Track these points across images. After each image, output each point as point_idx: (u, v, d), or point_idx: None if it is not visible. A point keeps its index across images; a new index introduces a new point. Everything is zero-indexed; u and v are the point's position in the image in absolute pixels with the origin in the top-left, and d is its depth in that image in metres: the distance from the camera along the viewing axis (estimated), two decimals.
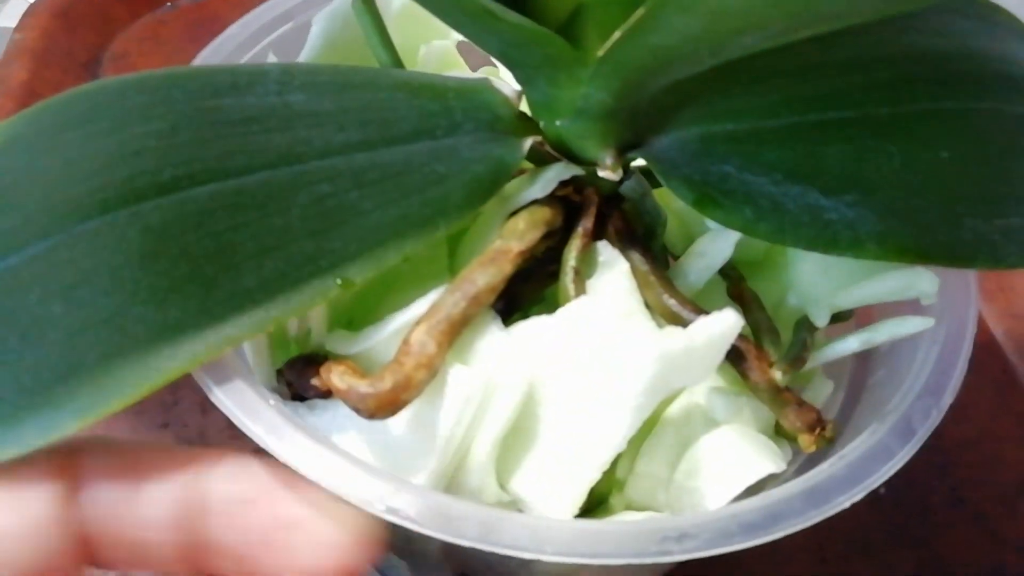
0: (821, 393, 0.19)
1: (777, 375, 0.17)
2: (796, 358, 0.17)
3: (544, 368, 0.16)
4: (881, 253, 0.17)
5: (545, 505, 0.16)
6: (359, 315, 0.18)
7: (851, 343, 0.18)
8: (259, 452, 0.14)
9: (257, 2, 0.22)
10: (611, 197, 0.19)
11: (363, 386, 0.15)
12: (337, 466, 0.14)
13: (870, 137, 0.18)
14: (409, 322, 0.16)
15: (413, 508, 0.14)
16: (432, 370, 0.15)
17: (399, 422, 0.16)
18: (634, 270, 0.18)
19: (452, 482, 0.16)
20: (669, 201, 0.20)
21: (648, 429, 0.18)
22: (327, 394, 0.16)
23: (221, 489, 0.14)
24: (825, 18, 0.14)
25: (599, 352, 0.16)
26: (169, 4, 0.40)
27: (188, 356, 0.14)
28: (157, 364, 0.13)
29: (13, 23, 0.37)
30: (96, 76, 0.38)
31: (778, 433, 0.19)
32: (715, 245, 0.19)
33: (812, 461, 0.17)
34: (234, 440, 0.28)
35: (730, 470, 0.16)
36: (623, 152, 0.18)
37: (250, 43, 0.21)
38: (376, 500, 0.14)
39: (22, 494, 0.13)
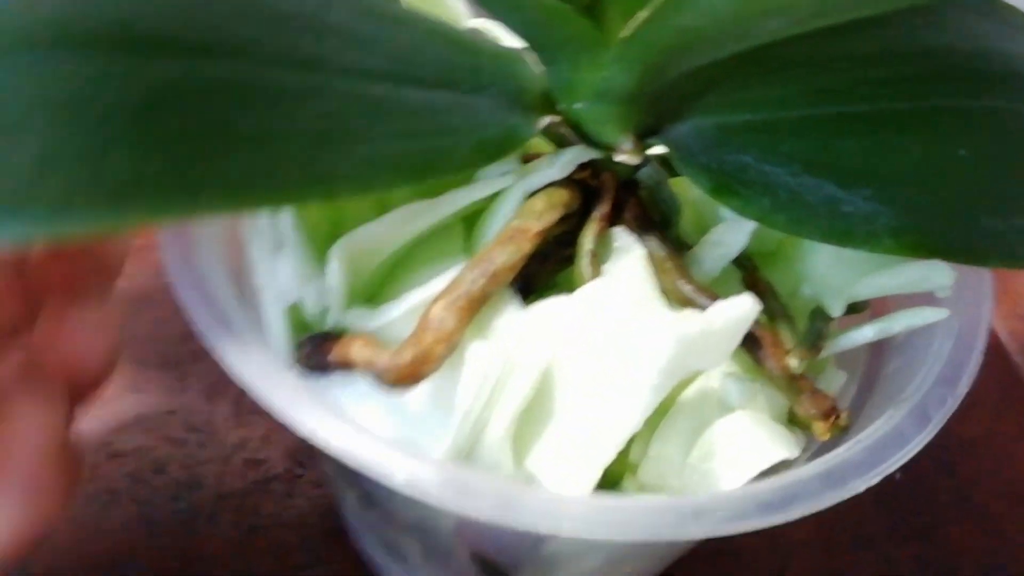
0: (833, 383, 0.19)
1: (792, 362, 0.17)
2: (812, 346, 0.17)
3: (561, 348, 0.16)
4: (896, 248, 0.17)
5: (559, 484, 0.16)
6: (377, 294, 0.18)
7: (866, 332, 0.18)
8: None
9: None
10: (628, 183, 0.19)
11: (383, 359, 0.15)
12: (357, 438, 0.14)
13: (889, 132, 0.18)
14: (427, 299, 0.16)
15: (432, 481, 0.14)
16: (451, 345, 0.15)
17: (417, 397, 0.16)
18: (650, 256, 0.18)
19: (468, 459, 0.16)
20: (685, 191, 0.21)
21: (663, 413, 0.18)
22: (346, 368, 0.16)
23: None
24: (850, 3, 0.14)
25: (616, 334, 0.16)
26: None
27: (155, 210, 0.13)
28: (122, 210, 0.13)
29: None
30: None
31: (792, 422, 0.19)
32: (730, 234, 0.19)
33: (826, 449, 0.17)
34: (241, 428, 0.29)
35: (744, 455, 0.16)
36: (641, 138, 0.18)
37: None
38: (395, 472, 0.14)
39: None
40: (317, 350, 0.17)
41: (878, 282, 0.18)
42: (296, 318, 0.18)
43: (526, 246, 0.16)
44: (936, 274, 0.17)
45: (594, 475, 0.16)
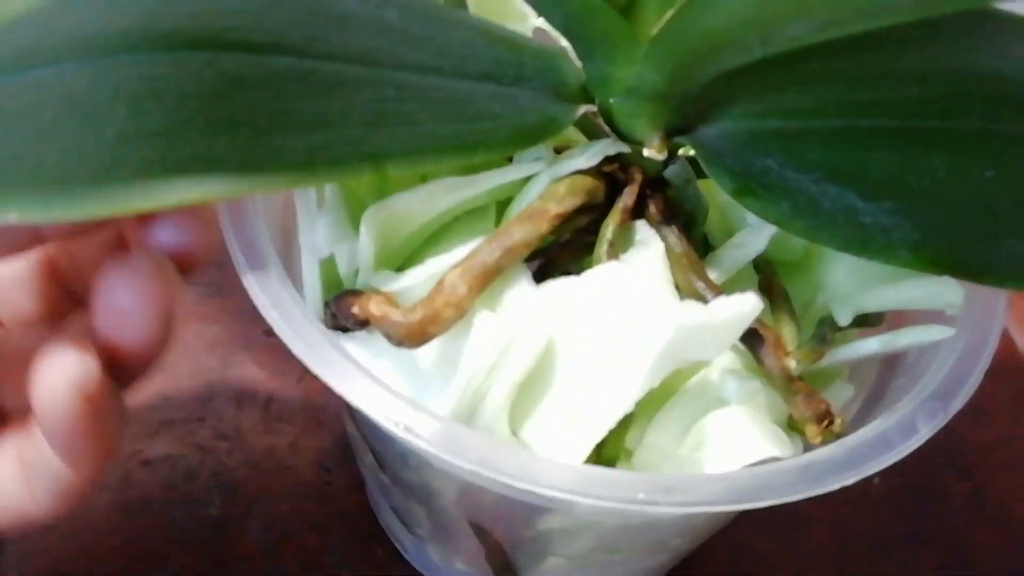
0: (840, 396, 0.20)
1: (791, 363, 0.17)
2: (812, 350, 0.18)
3: (566, 326, 0.17)
4: (913, 261, 0.17)
5: (551, 454, 0.17)
6: (408, 263, 0.19)
7: (871, 344, 0.18)
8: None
9: None
10: (655, 180, 0.20)
11: (396, 315, 0.16)
12: (365, 386, 0.16)
13: (917, 148, 0.18)
14: (447, 267, 0.17)
15: (427, 429, 0.15)
16: (460, 310, 0.16)
17: (426, 357, 0.17)
18: (668, 251, 0.19)
19: (468, 422, 0.17)
20: (714, 194, 0.21)
21: (661, 402, 0.18)
22: (365, 324, 0.17)
23: None
24: (866, 13, 0.15)
25: (620, 316, 0.17)
26: None
27: (219, 186, 0.15)
28: (189, 185, 0.14)
29: None
30: None
31: (791, 427, 0.19)
32: (751, 238, 0.20)
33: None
34: (270, 435, 0.30)
35: (734, 448, 0.17)
36: (670, 136, 0.19)
37: None
38: (396, 419, 0.15)
39: None
40: (342, 304, 0.18)
41: (886, 295, 0.18)
42: (332, 278, 0.20)
43: (544, 226, 0.17)
44: (946, 292, 0.18)
45: (585, 450, 0.17)
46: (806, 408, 0.17)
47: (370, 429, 0.21)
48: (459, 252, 0.18)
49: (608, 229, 0.19)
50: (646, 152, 0.18)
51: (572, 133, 0.20)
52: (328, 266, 0.19)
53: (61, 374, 0.15)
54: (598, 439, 0.17)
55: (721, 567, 0.27)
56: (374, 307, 0.16)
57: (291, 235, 0.20)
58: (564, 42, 0.21)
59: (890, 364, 0.20)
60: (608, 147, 0.18)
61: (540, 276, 0.19)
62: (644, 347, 0.16)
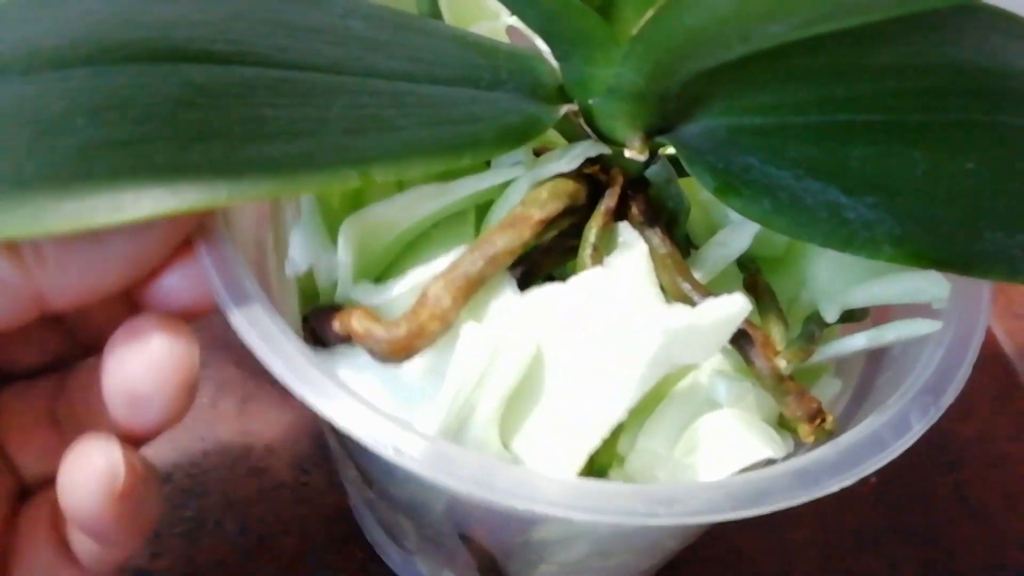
0: (828, 391, 0.20)
1: (781, 363, 0.17)
2: (801, 348, 0.17)
3: (553, 334, 0.17)
4: (896, 256, 0.17)
5: (544, 467, 0.16)
6: (387, 273, 0.19)
7: (858, 340, 0.18)
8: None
9: None
10: (637, 181, 0.19)
11: (379, 330, 0.15)
12: (350, 407, 0.15)
13: (897, 142, 0.18)
14: (430, 277, 0.17)
15: (416, 450, 0.15)
16: (445, 323, 0.16)
17: (411, 373, 0.17)
18: (652, 252, 0.19)
19: (457, 437, 0.17)
20: (695, 192, 0.21)
21: (652, 407, 0.18)
22: (347, 339, 0.17)
23: None
24: (847, 10, 0.15)
25: (608, 323, 0.16)
26: None
27: (196, 195, 0.14)
28: (163, 193, 0.14)
29: None
30: None
31: (782, 425, 0.19)
32: (734, 236, 0.19)
33: (807, 452, 0.17)
34: (246, 436, 0.29)
35: (727, 451, 0.17)
36: (651, 135, 0.18)
37: None
38: (384, 440, 0.15)
39: None
40: (321, 320, 0.17)
41: (872, 290, 0.18)
42: (310, 290, 0.19)
43: (527, 233, 0.17)
44: (932, 286, 0.18)
45: (579, 461, 0.16)
46: (798, 408, 0.17)
47: (354, 446, 0.20)
48: (440, 261, 0.17)
49: (591, 232, 0.18)
50: (627, 153, 0.18)
51: (551, 134, 0.20)
52: (306, 278, 0.19)
53: (88, 477, 0.14)
54: (592, 448, 0.16)
55: (707, 563, 0.27)
56: (356, 323, 0.16)
57: (265, 248, 0.20)
58: (539, 42, 0.21)
59: (875, 358, 0.20)
60: (589, 149, 0.18)
61: (523, 282, 0.18)
62: (634, 353, 0.16)
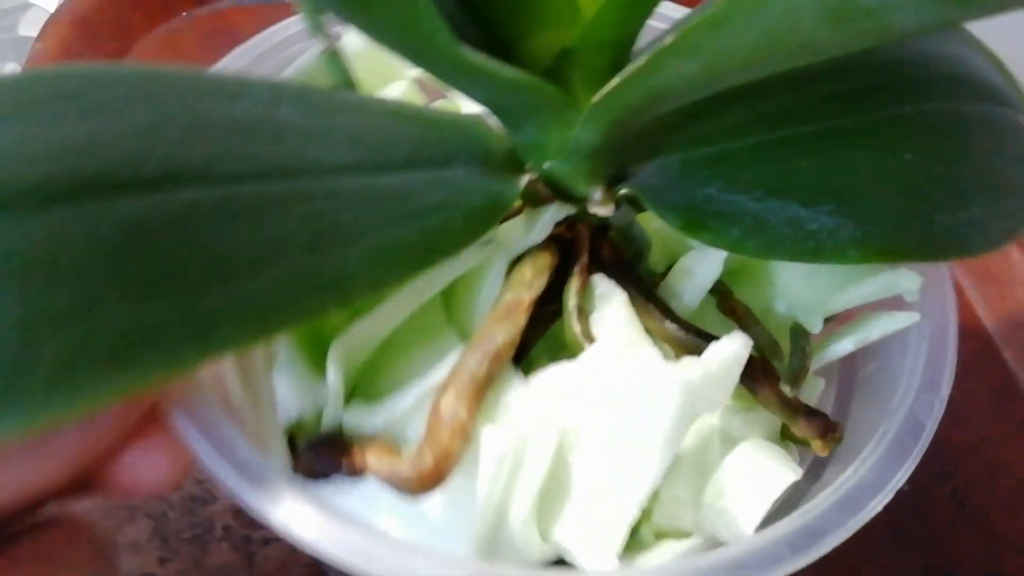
0: (813, 391, 0.20)
1: (786, 389, 0.17)
2: (800, 368, 0.18)
3: (570, 416, 0.16)
4: (862, 257, 0.17)
5: (589, 551, 0.16)
6: (370, 385, 0.18)
7: (846, 344, 0.19)
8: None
9: (271, 15, 0.22)
10: (599, 228, 0.19)
11: (404, 466, 0.14)
12: (378, 552, 0.14)
13: (839, 147, 0.19)
14: (430, 389, 0.16)
15: None
16: (466, 437, 0.15)
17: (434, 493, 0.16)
18: (631, 299, 0.18)
19: (494, 542, 0.16)
20: (648, 221, 0.21)
21: None
22: (356, 474, 0.16)
23: None
24: (817, 53, 0.15)
25: (622, 393, 0.16)
26: (185, 14, 0.41)
27: (169, 362, 0.12)
28: (131, 367, 0.12)
29: (34, 33, 0.38)
30: None
31: (784, 436, 0.19)
32: (703, 263, 0.19)
33: (825, 463, 0.18)
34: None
35: (758, 487, 0.17)
36: (611, 186, 0.18)
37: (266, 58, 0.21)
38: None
39: None
40: (323, 458, 0.16)
41: (853, 295, 0.19)
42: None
43: (522, 319, 0.16)
44: (904, 280, 0.18)
45: (622, 536, 0.16)
46: (808, 428, 0.18)
47: None
48: (431, 367, 0.16)
49: (571, 296, 0.18)
50: (592, 208, 0.18)
51: None
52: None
53: None
54: (632, 521, 0.16)
55: None
56: (375, 462, 0.15)
57: (225, 379, 0.18)
58: (460, 97, 0.20)
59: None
60: (556, 213, 0.18)
61: (515, 361, 0.17)
62: (656, 419, 0.16)
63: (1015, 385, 0.31)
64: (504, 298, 0.16)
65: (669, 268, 0.21)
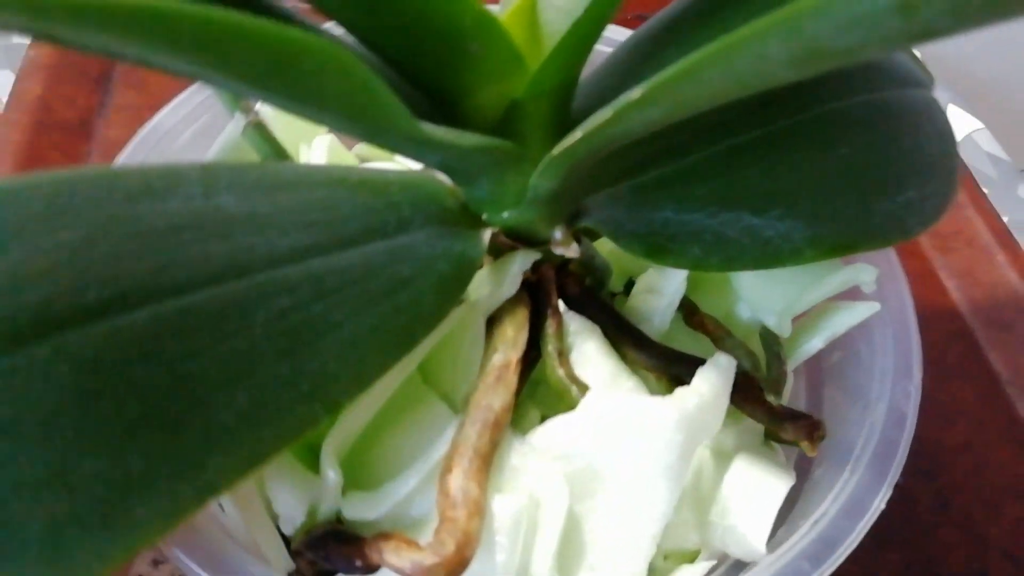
0: (787, 388, 0.21)
1: (771, 398, 0.18)
2: (779, 374, 0.18)
3: (574, 467, 0.16)
4: (816, 255, 0.18)
5: None
6: (358, 467, 0.17)
7: (816, 343, 0.19)
8: None
9: None
10: (561, 265, 0.19)
11: (426, 557, 0.14)
12: None
13: (779, 151, 0.19)
14: (430, 470, 0.15)
15: None
16: (482, 513, 0.15)
17: None
18: (604, 330, 0.18)
19: None
20: (602, 244, 0.21)
21: None
22: (372, 570, 0.15)
23: None
24: (775, 85, 0.15)
25: (623, 437, 0.16)
26: None
27: (167, 511, 0.11)
28: (128, 527, 0.11)
29: (27, 39, 0.36)
30: (108, 90, 0.39)
31: (767, 436, 0.20)
32: (666, 282, 0.19)
33: (814, 462, 0.18)
34: None
35: (758, 503, 0.17)
36: (570, 223, 0.18)
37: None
38: None
39: None
40: (332, 554, 0.15)
41: (815, 293, 0.19)
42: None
43: (513, 381, 0.16)
44: (861, 272, 0.19)
45: (643, 572, 0.16)
46: (796, 432, 0.18)
47: None
48: (434, 447, 0.16)
49: (549, 342, 0.18)
50: (556, 249, 0.17)
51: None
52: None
53: None
54: (650, 557, 0.16)
55: None
56: (393, 556, 0.14)
57: None
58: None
59: None
60: (524, 262, 0.17)
61: None
62: (660, 455, 0.16)
63: (1000, 386, 0.32)
64: (492, 361, 0.16)
65: (627, 284, 0.21)
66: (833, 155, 0.19)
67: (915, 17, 0.10)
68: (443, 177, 0.17)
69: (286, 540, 0.17)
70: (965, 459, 0.29)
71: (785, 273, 0.20)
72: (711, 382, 0.17)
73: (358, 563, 0.15)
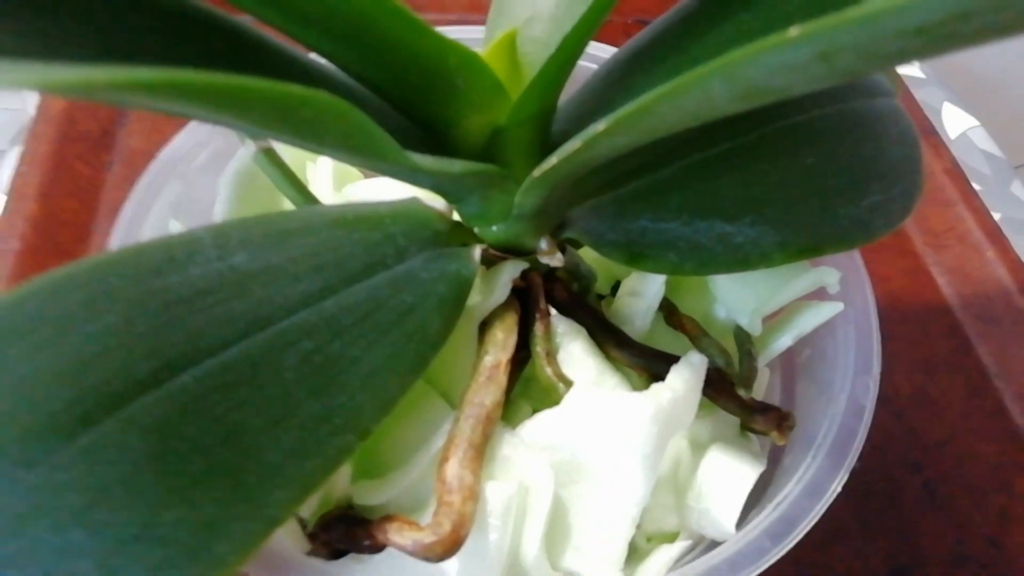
0: (762, 381, 0.22)
1: (742, 392, 0.19)
2: (750, 370, 0.20)
3: (560, 456, 0.18)
4: (785, 259, 0.20)
5: (596, 570, 0.18)
6: (366, 457, 0.19)
7: (785, 340, 0.21)
8: None
9: None
10: (549, 273, 0.21)
11: (427, 536, 0.16)
12: None
13: (748, 161, 0.21)
14: (430, 460, 0.17)
15: None
16: (476, 498, 0.16)
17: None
18: (590, 332, 0.20)
19: None
20: (587, 251, 0.22)
21: None
22: (379, 549, 0.17)
23: None
24: (720, 115, 0.16)
25: (603, 429, 0.18)
26: None
27: (242, 545, 0.13)
28: (212, 563, 0.13)
29: None
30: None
31: (743, 427, 0.21)
32: (646, 285, 0.21)
33: (784, 450, 0.20)
34: None
35: (729, 488, 0.19)
36: (554, 234, 0.20)
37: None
38: None
39: None
40: (343, 536, 0.17)
41: (784, 294, 0.21)
42: None
43: (503, 379, 0.18)
44: (825, 274, 0.20)
45: (622, 553, 0.18)
46: (765, 422, 0.20)
47: None
48: (432, 440, 0.17)
49: (538, 343, 0.19)
50: (542, 259, 0.19)
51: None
52: None
53: None
54: (629, 537, 0.18)
55: None
56: (396, 536, 0.16)
57: None
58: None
59: None
60: (513, 271, 0.19)
61: None
62: (636, 446, 0.17)
63: (988, 381, 0.33)
64: (484, 362, 0.18)
65: (613, 287, 0.23)
66: (799, 164, 0.21)
67: (833, 63, 0.12)
68: (434, 199, 0.19)
69: (303, 524, 0.18)
70: (952, 449, 0.31)
71: (756, 276, 0.21)
72: (684, 378, 0.18)
73: (366, 542, 0.17)
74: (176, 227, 0.21)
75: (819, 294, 0.21)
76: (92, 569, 0.12)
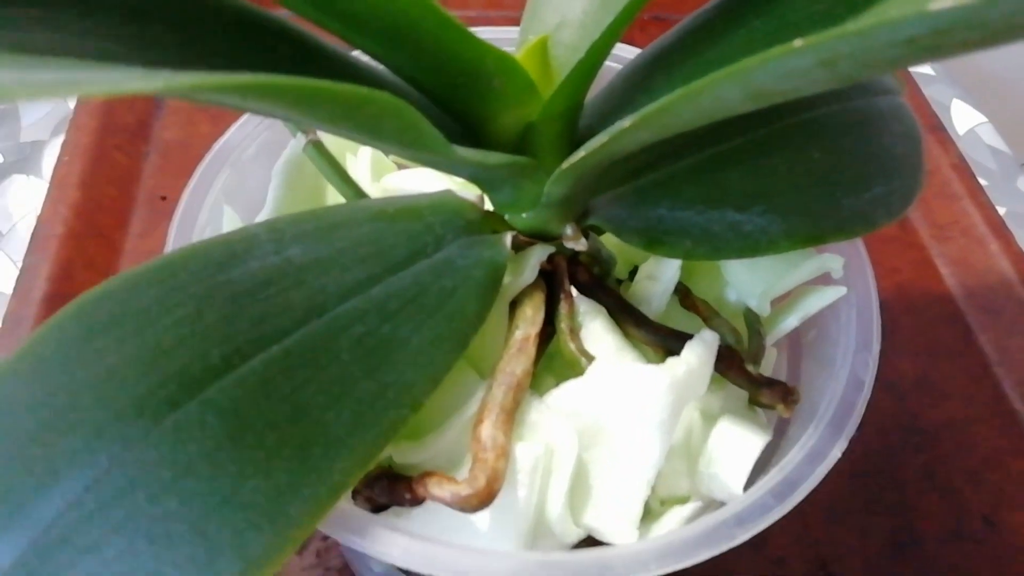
0: (770, 361, 0.24)
1: (750, 367, 0.21)
2: (758, 347, 0.21)
3: (583, 422, 0.20)
4: (791, 246, 0.21)
5: (615, 528, 0.19)
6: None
7: (792, 321, 0.22)
8: None
9: None
10: (573, 256, 0.22)
11: (463, 489, 0.17)
12: (453, 558, 0.17)
13: (758, 155, 0.22)
14: (464, 423, 0.19)
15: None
16: (507, 456, 0.18)
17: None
18: (610, 312, 0.22)
19: (536, 535, 0.19)
20: (608, 238, 0.24)
21: None
22: (418, 502, 0.19)
23: None
24: (733, 114, 0.18)
25: (622, 398, 0.19)
26: None
27: (313, 508, 0.15)
28: (288, 524, 0.15)
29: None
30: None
31: (752, 402, 0.23)
32: (663, 269, 0.23)
33: (789, 423, 0.22)
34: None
35: (738, 454, 0.20)
36: (579, 221, 0.21)
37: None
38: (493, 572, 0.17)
39: None
40: (384, 488, 0.19)
41: (790, 279, 0.22)
42: None
43: (532, 351, 0.19)
44: (829, 261, 0.22)
45: (638, 511, 0.19)
46: (771, 396, 0.21)
47: None
48: (457, 400, 0.19)
49: (562, 320, 0.21)
50: (567, 243, 0.21)
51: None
52: None
53: None
54: (644, 498, 0.20)
55: None
56: (436, 489, 0.18)
57: None
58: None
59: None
60: (541, 255, 0.21)
61: None
62: (653, 413, 0.19)
63: (989, 368, 0.35)
64: (515, 336, 0.19)
65: (631, 272, 0.25)
66: (806, 158, 0.22)
67: (835, 69, 0.13)
68: (465, 190, 0.21)
69: None
70: (953, 435, 0.32)
71: (765, 261, 0.23)
72: (697, 353, 0.20)
73: (407, 496, 0.18)
74: (229, 211, 0.23)
75: (824, 279, 0.23)
76: (186, 531, 0.14)
